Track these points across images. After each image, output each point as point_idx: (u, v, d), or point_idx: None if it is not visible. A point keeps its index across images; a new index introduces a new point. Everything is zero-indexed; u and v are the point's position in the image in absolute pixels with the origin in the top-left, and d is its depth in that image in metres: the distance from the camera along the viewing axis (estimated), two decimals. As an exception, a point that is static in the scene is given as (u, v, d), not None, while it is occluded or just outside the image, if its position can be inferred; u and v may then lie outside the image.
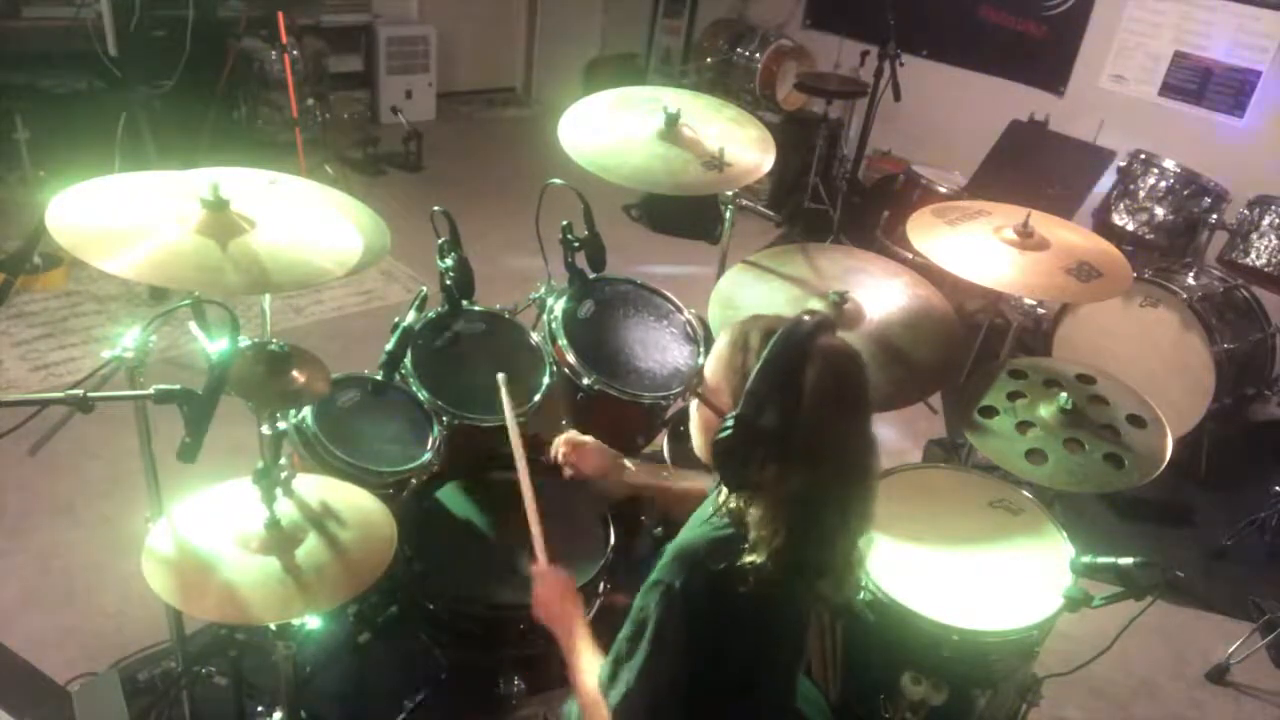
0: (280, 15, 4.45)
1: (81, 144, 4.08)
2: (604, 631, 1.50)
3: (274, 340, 1.76)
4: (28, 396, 1.45)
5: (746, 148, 2.31)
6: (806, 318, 1.29)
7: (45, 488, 2.81)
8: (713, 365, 1.36)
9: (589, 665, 1.46)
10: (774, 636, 1.43)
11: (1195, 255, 3.98)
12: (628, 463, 1.86)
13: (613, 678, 1.37)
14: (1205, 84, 4.35)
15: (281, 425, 1.90)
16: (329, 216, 1.79)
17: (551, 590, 1.63)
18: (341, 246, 1.67)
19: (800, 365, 1.24)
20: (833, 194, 5.15)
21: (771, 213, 5.43)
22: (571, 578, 1.67)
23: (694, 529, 1.42)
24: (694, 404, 1.40)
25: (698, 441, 1.41)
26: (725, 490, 1.35)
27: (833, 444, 1.27)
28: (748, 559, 1.27)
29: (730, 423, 1.25)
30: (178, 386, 1.41)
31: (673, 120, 2.25)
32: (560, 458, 1.85)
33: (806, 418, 1.24)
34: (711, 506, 1.41)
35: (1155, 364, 3.49)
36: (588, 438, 1.87)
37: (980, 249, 2.20)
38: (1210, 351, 3.36)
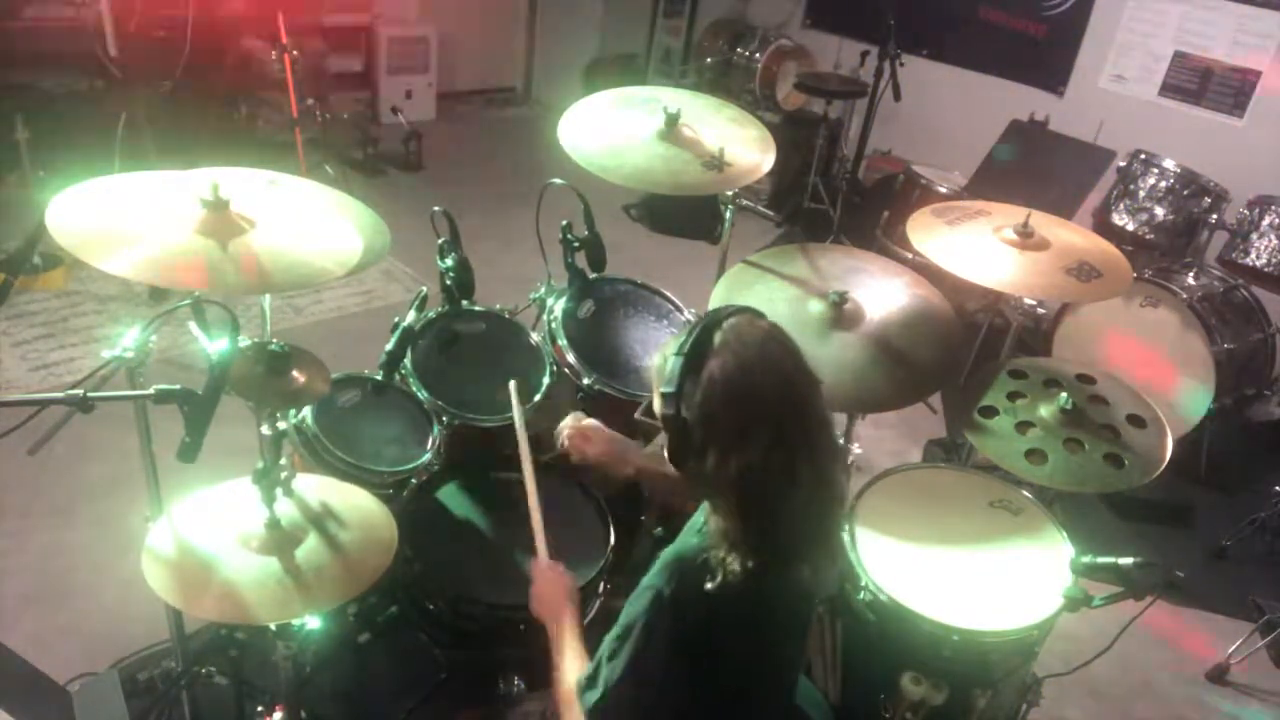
0: (280, 15, 4.45)
1: (81, 144, 4.08)
2: (601, 634, 1.50)
3: (274, 340, 1.76)
4: (28, 396, 1.45)
5: (746, 148, 2.30)
6: (724, 309, 1.30)
7: (45, 488, 2.81)
8: (654, 398, 1.35)
9: (571, 665, 1.48)
10: (768, 641, 1.43)
11: (1195, 255, 3.98)
12: (633, 445, 1.86)
13: (592, 679, 1.37)
14: (1205, 84, 4.35)
15: (281, 425, 1.90)
16: (329, 216, 1.79)
17: (551, 586, 1.63)
18: (341, 246, 1.66)
19: (704, 350, 1.25)
20: (833, 194, 5.15)
21: (771, 213, 5.42)
22: (572, 577, 1.67)
23: (688, 536, 1.41)
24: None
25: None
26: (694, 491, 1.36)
27: (757, 415, 1.24)
28: (715, 554, 1.27)
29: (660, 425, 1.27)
30: (178, 386, 1.41)
31: (673, 120, 2.25)
32: (566, 443, 1.85)
33: (716, 392, 1.23)
34: (703, 514, 1.41)
35: (1155, 364, 3.49)
36: (592, 421, 1.87)
37: (980, 249, 2.20)
38: (1210, 351, 3.36)
